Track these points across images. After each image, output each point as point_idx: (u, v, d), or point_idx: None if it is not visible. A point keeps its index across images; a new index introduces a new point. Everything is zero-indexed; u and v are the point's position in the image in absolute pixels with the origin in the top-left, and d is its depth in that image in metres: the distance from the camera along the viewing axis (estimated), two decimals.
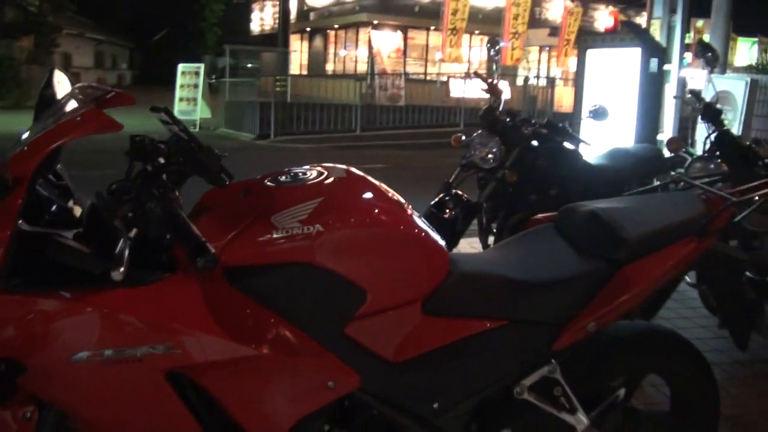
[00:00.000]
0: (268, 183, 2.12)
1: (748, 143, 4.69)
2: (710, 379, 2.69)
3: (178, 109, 21.76)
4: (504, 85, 27.11)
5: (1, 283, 1.74)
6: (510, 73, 27.86)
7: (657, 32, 9.78)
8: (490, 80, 5.63)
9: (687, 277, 4.77)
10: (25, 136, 2.01)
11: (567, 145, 5.30)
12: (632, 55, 8.19)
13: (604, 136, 7.32)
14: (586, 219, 2.44)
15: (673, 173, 5.26)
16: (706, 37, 11.93)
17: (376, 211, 2.12)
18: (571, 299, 2.29)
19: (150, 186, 1.77)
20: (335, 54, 36.47)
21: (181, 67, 22.39)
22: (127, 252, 1.73)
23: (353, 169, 2.23)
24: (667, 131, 8.98)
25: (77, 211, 2.08)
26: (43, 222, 1.94)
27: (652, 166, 5.53)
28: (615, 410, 2.43)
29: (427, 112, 22.43)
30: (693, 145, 7.07)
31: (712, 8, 10.17)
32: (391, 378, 2.09)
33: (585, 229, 2.43)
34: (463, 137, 5.28)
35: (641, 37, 8.26)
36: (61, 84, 2.24)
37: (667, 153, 5.40)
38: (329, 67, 36.28)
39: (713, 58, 5.23)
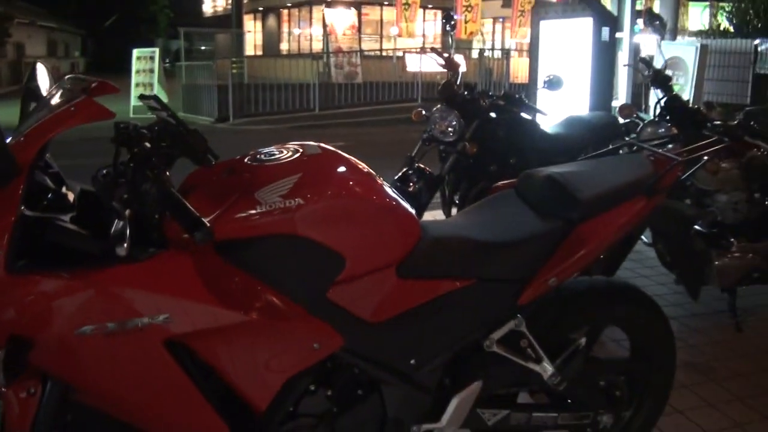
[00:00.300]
0: (250, 162, 2.26)
1: (697, 107, 4.89)
2: (665, 326, 2.89)
3: (135, 94, 21.60)
4: (460, 59, 27.30)
5: (8, 266, 1.86)
6: (465, 47, 27.96)
7: (608, 2, 9.96)
8: (446, 55, 5.76)
9: (644, 237, 4.99)
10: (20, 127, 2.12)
11: (524, 115, 5.45)
12: (584, 25, 8.35)
13: (559, 105, 7.49)
14: (543, 183, 2.61)
15: (627, 138, 5.43)
16: (656, 3, 12.13)
17: (351, 183, 2.26)
18: (532, 257, 2.46)
19: (143, 168, 1.90)
20: (290, 33, 36.28)
21: (135, 52, 22.13)
22: (128, 230, 1.87)
23: (327, 146, 2.37)
24: (621, 98, 9.18)
25: (70, 196, 2.20)
26: (41, 207, 2.06)
27: (607, 133, 5.66)
28: (577, 358, 2.61)
29: (385, 88, 22.44)
30: (647, 110, 7.25)
31: None
32: (371, 337, 2.24)
33: (542, 192, 2.59)
34: (423, 112, 5.42)
35: (592, 6, 8.42)
36: (44, 77, 2.35)
37: (621, 120, 5.58)
38: (284, 47, 36.09)
39: (661, 26, 5.40)
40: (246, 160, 2.27)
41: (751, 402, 3.71)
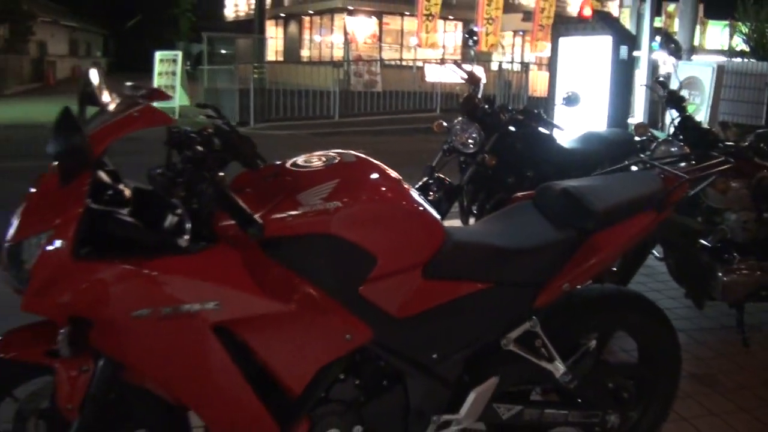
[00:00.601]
0: (291, 167, 2.45)
1: (709, 127, 5.05)
2: (672, 334, 3.07)
3: None
4: (479, 71, 27.47)
5: (74, 253, 2.05)
6: (485, 59, 28.15)
7: (627, 20, 10.12)
8: (468, 69, 5.93)
9: (655, 252, 5.15)
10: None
11: (542, 130, 5.61)
12: (603, 43, 8.53)
13: (577, 121, 7.65)
14: (559, 195, 2.79)
15: (642, 156, 5.59)
16: (676, 22, 12.24)
17: (383, 189, 2.45)
18: (547, 264, 2.64)
19: (200, 170, 2.10)
20: (311, 40, 36.62)
21: (158, 54, 22.33)
22: (188, 224, 2.06)
23: (361, 155, 2.56)
24: (637, 116, 9.33)
25: (126, 193, 2.39)
26: (103, 201, 2.25)
27: (623, 150, 5.78)
28: (587, 359, 2.78)
29: (404, 98, 22.67)
30: (663, 128, 7.39)
31: None
32: (398, 332, 2.42)
33: (558, 204, 2.77)
34: (445, 123, 5.59)
35: (611, 25, 8.60)
36: (97, 81, 2.54)
37: (636, 137, 5.73)
38: (305, 54, 36.44)
39: (676, 49, 5.56)
40: (288, 165, 2.46)
41: (755, 413, 3.85)
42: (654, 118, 10.01)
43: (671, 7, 26.13)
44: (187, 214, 2.11)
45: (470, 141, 5.26)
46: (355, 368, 2.49)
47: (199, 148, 2.17)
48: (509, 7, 30.25)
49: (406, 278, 2.41)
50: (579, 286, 2.78)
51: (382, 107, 22.11)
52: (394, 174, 2.54)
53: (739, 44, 18.02)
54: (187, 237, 2.09)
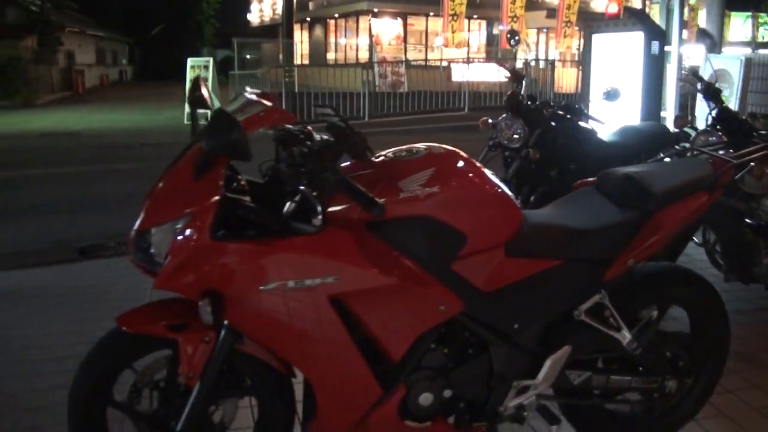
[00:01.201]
0: (389, 158, 2.74)
1: (744, 117, 5.29)
2: (721, 307, 3.36)
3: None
4: (504, 69, 27.63)
5: (212, 234, 2.35)
6: (510, 57, 28.34)
7: (656, 16, 10.31)
8: (511, 67, 6.19)
9: (695, 238, 5.39)
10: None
11: (582, 124, 5.86)
12: (635, 39, 8.77)
13: (611, 116, 7.87)
14: (622, 179, 3.07)
15: (677, 147, 5.82)
16: (702, 14, 12.36)
17: (472, 175, 2.73)
18: (614, 242, 2.92)
19: (321, 161, 2.39)
20: (336, 43, 36.88)
21: (190, 61, 22.52)
22: (319, 207, 2.36)
23: (448, 147, 2.83)
24: (668, 109, 9.54)
25: (243, 183, 2.68)
26: (231, 190, 2.54)
27: (659, 142, 6.01)
28: (650, 328, 3.08)
29: (431, 98, 22.89)
30: (693, 121, 7.61)
31: None
32: (484, 304, 2.70)
33: (621, 188, 3.05)
34: (490, 120, 5.85)
35: (643, 21, 8.82)
36: (204, 88, 2.83)
37: (672, 129, 5.96)
38: (330, 57, 36.69)
39: (712, 44, 5.80)
40: (383, 157, 2.75)
41: None
42: (683, 111, 10.19)
43: (693, 0, 26.14)
44: (317, 198, 2.38)
45: (515, 136, 5.53)
46: (443, 338, 2.76)
47: (308, 143, 2.46)
48: (533, 5, 30.35)
49: (492, 255, 2.69)
50: (640, 263, 3.04)
51: (409, 107, 22.36)
52: (478, 163, 2.82)
53: (764, 35, 18.08)
54: (320, 218, 2.38)
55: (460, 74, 25.82)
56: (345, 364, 2.57)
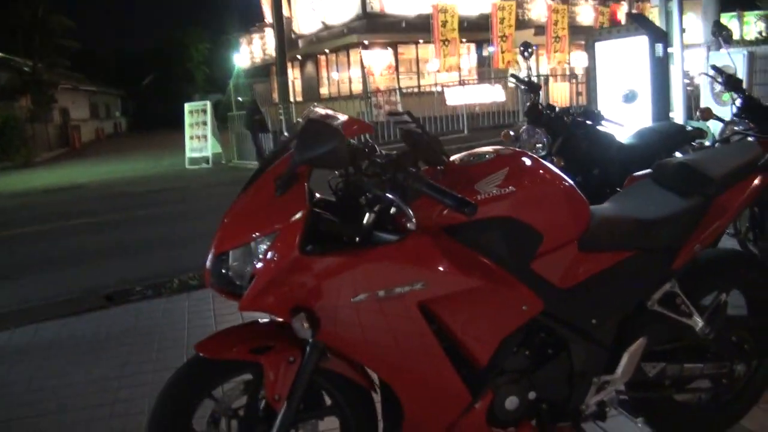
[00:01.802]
0: (459, 163, 2.72)
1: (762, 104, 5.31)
2: None
3: (190, 146, 22.30)
4: (498, 89, 27.91)
5: (301, 249, 2.33)
6: (502, 75, 28.49)
7: (656, 19, 10.38)
8: (527, 80, 6.22)
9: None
10: None
11: (601, 128, 5.87)
12: (639, 44, 8.81)
13: (625, 119, 7.90)
14: (678, 168, 3.08)
15: (694, 144, 5.83)
16: (688, 16, 12.39)
17: (543, 173, 2.73)
18: (680, 229, 2.91)
19: (402, 167, 2.36)
20: (329, 77, 37.07)
21: (187, 106, 22.82)
22: (409, 210, 2.32)
23: (515, 149, 2.85)
24: (677, 109, 9.58)
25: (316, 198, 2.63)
26: (312, 204, 2.50)
27: (676, 140, 6.02)
28: (721, 312, 3.06)
29: (429, 123, 22.93)
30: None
31: None
32: (563, 301, 2.68)
33: (680, 176, 3.05)
34: (512, 132, 5.87)
35: (645, 25, 8.87)
36: (259, 113, 2.82)
37: (697, 122, 5.96)
38: (324, 91, 36.87)
39: (728, 36, 5.81)
40: (455, 162, 2.72)
41: None
42: (689, 112, 10.25)
43: None
44: (404, 203, 2.34)
45: (539, 145, 5.55)
46: (525, 339, 2.74)
47: (381, 153, 2.46)
48: (521, 24, 30.57)
49: (567, 252, 2.68)
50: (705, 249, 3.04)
51: None
52: (546, 162, 2.83)
53: (748, 33, 18.13)
54: (413, 220, 2.33)
55: (455, 98, 25.98)
56: (435, 372, 2.54)
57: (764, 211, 4.86)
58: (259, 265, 2.34)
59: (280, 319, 2.46)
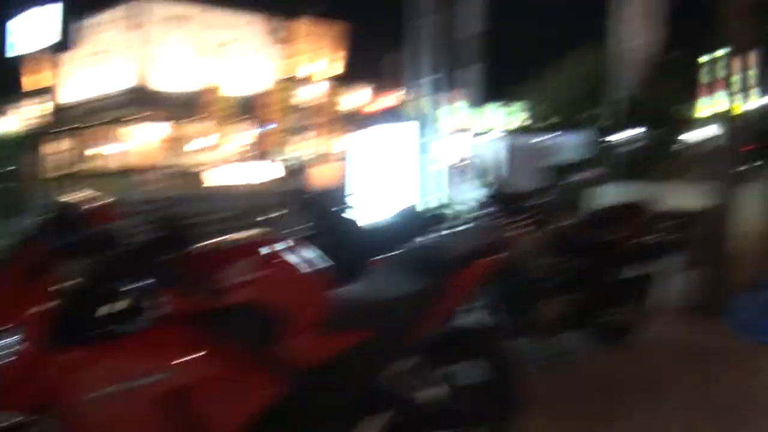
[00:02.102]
0: (209, 248, 2.71)
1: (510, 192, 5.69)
2: (513, 357, 3.53)
3: None
4: (278, 166, 27.85)
5: (47, 344, 2.26)
6: (269, 158, 28.71)
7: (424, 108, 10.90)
8: (292, 163, 6.32)
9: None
10: None
11: (345, 216, 6.04)
12: (400, 130, 9.39)
13: (372, 205, 8.21)
14: (418, 251, 3.34)
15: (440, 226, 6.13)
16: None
17: (284, 260, 2.79)
18: (416, 307, 3.07)
19: (149, 256, 2.41)
20: (93, 151, 35.89)
21: None
22: (160, 297, 2.36)
23: (263, 235, 2.94)
24: (432, 193, 10.05)
25: None
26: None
27: (418, 224, 6.26)
28: (463, 380, 3.23)
29: (191, 203, 22.55)
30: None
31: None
32: (310, 380, 2.71)
33: (418, 258, 3.29)
34: (274, 215, 5.95)
35: (402, 115, 9.33)
36: None
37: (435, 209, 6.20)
38: (88, 165, 35.55)
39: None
40: (205, 248, 2.70)
41: None
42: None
43: None
44: (153, 293, 2.35)
45: (298, 228, 5.62)
46: (273, 417, 2.69)
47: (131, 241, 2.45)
48: (288, 109, 30.98)
49: (311, 333, 2.73)
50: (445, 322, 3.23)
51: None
52: (302, 246, 2.91)
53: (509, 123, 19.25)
54: (152, 314, 2.35)
55: (222, 177, 25.90)
56: None
57: (512, 285, 5.15)
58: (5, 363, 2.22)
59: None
